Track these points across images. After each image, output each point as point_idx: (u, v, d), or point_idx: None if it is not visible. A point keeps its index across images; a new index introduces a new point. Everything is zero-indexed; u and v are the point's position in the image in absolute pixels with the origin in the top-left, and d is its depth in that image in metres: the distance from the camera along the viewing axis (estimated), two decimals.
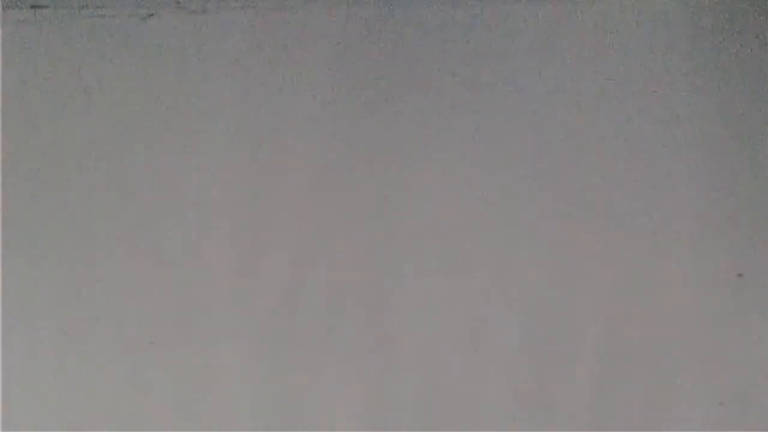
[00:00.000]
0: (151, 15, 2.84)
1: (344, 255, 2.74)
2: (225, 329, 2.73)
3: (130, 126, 2.82)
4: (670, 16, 2.75)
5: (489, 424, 2.66)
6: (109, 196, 2.79)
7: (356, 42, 2.80)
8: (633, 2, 2.75)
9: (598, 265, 2.69)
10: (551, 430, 2.64)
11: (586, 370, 2.66)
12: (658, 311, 2.66)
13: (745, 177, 2.67)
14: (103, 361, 2.73)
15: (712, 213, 2.67)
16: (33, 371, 2.74)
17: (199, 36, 2.82)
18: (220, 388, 2.71)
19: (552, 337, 2.68)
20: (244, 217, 2.77)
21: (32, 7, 2.86)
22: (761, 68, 2.69)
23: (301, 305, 2.73)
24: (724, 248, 2.66)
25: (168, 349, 2.73)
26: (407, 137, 2.76)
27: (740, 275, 2.64)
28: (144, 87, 2.82)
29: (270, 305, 2.73)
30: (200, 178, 2.78)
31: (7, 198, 2.79)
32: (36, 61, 2.85)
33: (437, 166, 2.75)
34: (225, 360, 2.72)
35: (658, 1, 2.75)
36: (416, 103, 2.77)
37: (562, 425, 2.64)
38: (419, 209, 2.74)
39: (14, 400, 2.72)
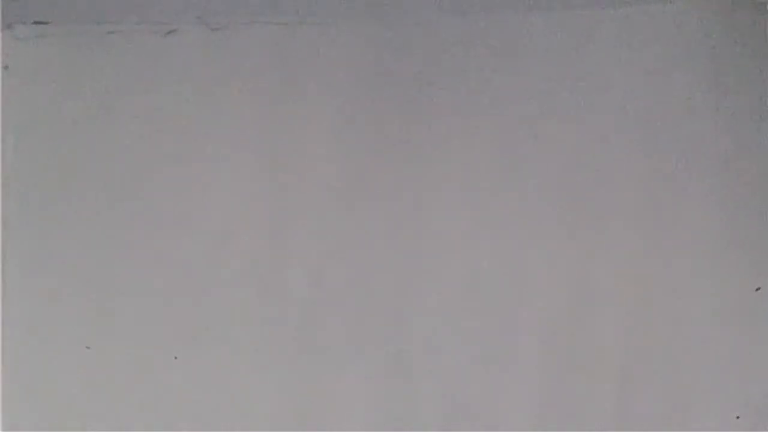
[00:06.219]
0: (173, 31, 2.84)
1: (365, 267, 2.75)
2: (249, 344, 2.73)
3: (151, 142, 2.81)
4: (673, 25, 2.76)
5: None
6: (131, 213, 2.78)
7: (378, 57, 2.81)
8: (630, 12, 2.77)
9: (616, 279, 2.70)
10: None
11: (604, 383, 2.67)
12: (676, 325, 2.67)
13: (764, 190, 2.68)
14: (128, 376, 2.72)
15: (731, 226, 2.68)
16: (57, 385, 2.73)
17: (220, 52, 2.82)
18: (243, 402, 2.72)
19: (571, 350, 2.69)
20: (266, 230, 2.77)
21: (34, 23, 2.84)
22: None
23: (324, 319, 2.74)
24: (742, 262, 2.67)
25: (192, 363, 2.73)
26: (429, 152, 2.77)
27: (758, 289, 2.66)
28: (165, 103, 2.81)
29: (293, 319, 2.74)
30: (222, 194, 2.78)
31: (28, 216, 2.77)
32: (55, 79, 2.84)
33: (458, 180, 2.76)
34: (249, 374, 2.72)
35: (662, 11, 2.77)
36: (438, 118, 2.78)
37: None
38: (440, 223, 2.75)
39: (38, 414, 2.71)
